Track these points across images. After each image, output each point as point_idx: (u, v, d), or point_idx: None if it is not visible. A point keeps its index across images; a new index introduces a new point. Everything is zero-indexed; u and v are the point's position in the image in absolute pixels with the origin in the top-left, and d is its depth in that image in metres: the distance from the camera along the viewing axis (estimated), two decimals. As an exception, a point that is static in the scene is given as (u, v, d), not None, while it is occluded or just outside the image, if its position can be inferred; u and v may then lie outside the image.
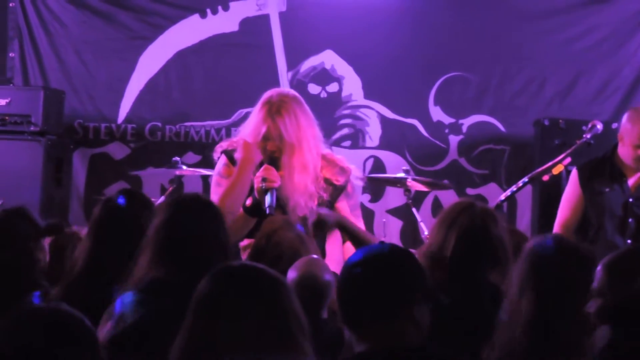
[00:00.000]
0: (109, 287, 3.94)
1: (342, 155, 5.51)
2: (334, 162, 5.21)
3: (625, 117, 5.74)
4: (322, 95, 8.50)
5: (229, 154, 5.22)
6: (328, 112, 8.37)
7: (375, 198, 8.44)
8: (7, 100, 7.86)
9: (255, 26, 8.47)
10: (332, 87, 8.51)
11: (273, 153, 5.09)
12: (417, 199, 8.03)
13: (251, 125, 5.15)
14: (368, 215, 8.16)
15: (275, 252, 4.33)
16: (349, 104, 8.51)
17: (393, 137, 8.47)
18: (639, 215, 5.67)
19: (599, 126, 5.88)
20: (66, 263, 4.71)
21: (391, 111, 8.47)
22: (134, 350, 3.62)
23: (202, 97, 8.51)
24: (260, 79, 7.99)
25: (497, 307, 3.82)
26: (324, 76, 8.50)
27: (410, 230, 8.26)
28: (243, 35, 8.48)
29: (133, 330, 3.64)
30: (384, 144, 8.49)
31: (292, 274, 3.99)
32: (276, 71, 8.44)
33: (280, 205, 5.07)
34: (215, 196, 5.13)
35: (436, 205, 8.23)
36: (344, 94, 8.51)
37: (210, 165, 5.54)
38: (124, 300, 3.72)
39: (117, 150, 8.55)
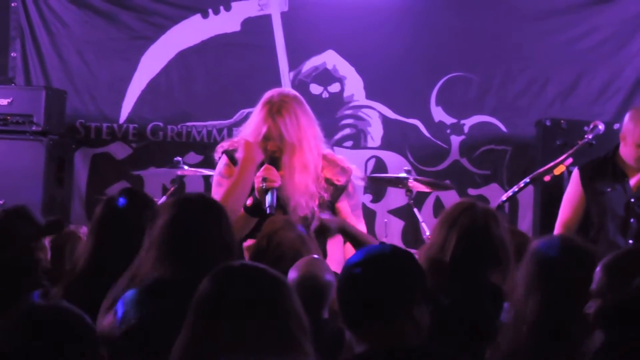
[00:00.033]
0: (110, 286, 3.95)
1: (343, 156, 5.51)
2: (334, 162, 5.21)
3: (627, 117, 5.74)
4: (323, 96, 8.50)
5: (229, 154, 5.22)
6: (330, 113, 8.37)
7: (377, 198, 8.44)
8: (9, 100, 7.86)
9: (257, 26, 8.47)
10: (334, 88, 8.51)
11: (274, 153, 5.10)
12: (419, 199, 8.03)
13: (252, 125, 5.15)
14: (370, 216, 8.16)
15: (277, 252, 4.33)
16: (351, 104, 8.51)
17: (395, 138, 8.47)
18: (641, 215, 5.67)
19: (601, 127, 5.88)
20: (65, 262, 4.72)
21: (393, 111, 8.47)
22: (138, 349, 3.62)
23: (204, 97, 8.51)
24: (262, 79, 8.00)
25: (498, 307, 3.82)
26: (325, 76, 8.50)
27: (411, 230, 8.26)
28: (245, 36, 8.48)
29: (138, 329, 3.65)
30: (385, 144, 8.49)
31: (292, 274, 3.99)
32: (278, 71, 8.44)
33: (281, 205, 5.07)
34: (216, 196, 5.12)
35: (438, 206, 8.23)
36: (345, 94, 8.51)
37: (212, 165, 5.54)
38: (128, 299, 3.72)
39: (119, 150, 8.55)
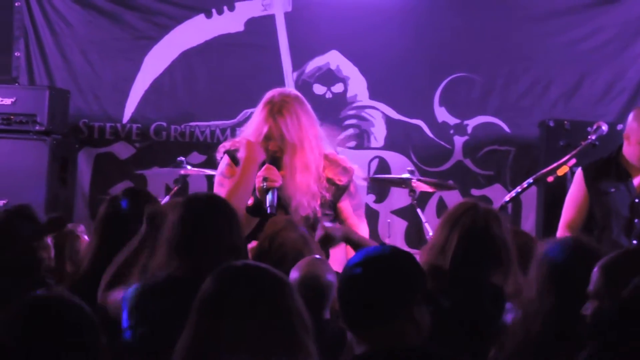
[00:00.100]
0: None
1: (347, 156, 5.52)
2: (336, 162, 5.21)
3: (631, 116, 5.73)
4: (327, 96, 8.50)
5: (231, 153, 5.23)
6: (333, 113, 8.37)
7: (380, 199, 8.43)
8: (13, 100, 7.87)
9: (261, 26, 8.47)
10: (337, 88, 8.51)
11: (275, 153, 5.10)
12: (422, 199, 8.02)
13: (253, 125, 5.15)
14: (373, 216, 8.16)
15: (279, 253, 4.33)
16: (354, 105, 8.51)
17: (398, 138, 8.47)
18: (646, 215, 5.66)
19: (604, 127, 5.87)
20: (65, 261, 4.73)
21: (396, 112, 8.47)
22: (143, 346, 3.63)
23: (207, 97, 8.51)
24: (265, 79, 7.99)
25: (499, 308, 3.82)
26: (329, 77, 8.50)
27: (415, 231, 8.26)
28: (248, 36, 8.49)
29: (144, 327, 3.65)
30: (388, 145, 8.48)
31: (294, 274, 3.99)
32: (281, 71, 8.44)
33: (283, 205, 5.07)
34: None
35: (441, 206, 8.23)
36: (349, 94, 8.51)
37: (215, 165, 5.55)
38: (135, 295, 3.73)
39: (122, 150, 8.55)
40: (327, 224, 4.83)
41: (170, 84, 8.53)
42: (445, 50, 8.36)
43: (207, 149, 8.18)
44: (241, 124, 7.91)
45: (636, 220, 5.68)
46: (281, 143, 5.08)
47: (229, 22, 8.50)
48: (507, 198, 5.70)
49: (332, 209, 5.18)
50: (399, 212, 8.38)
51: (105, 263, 4.11)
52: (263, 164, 5.12)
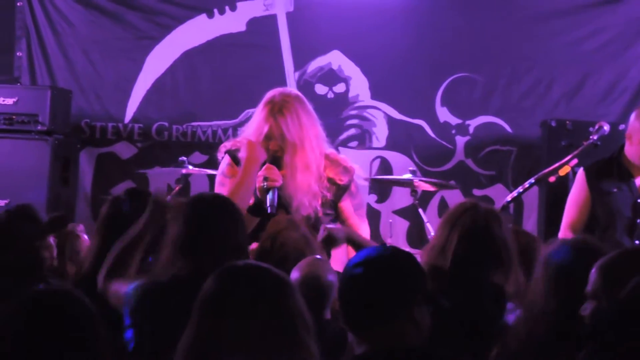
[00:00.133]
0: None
1: (348, 156, 5.52)
2: (337, 162, 5.21)
3: (633, 116, 5.73)
4: (329, 96, 8.50)
5: (232, 153, 5.23)
6: (335, 113, 8.38)
7: (382, 199, 8.43)
8: (15, 100, 7.87)
9: (263, 26, 8.47)
10: (339, 88, 8.51)
11: (275, 152, 5.10)
12: (424, 199, 8.02)
13: (254, 125, 5.16)
14: (374, 216, 8.16)
15: (281, 252, 4.34)
16: (356, 105, 8.51)
17: (400, 138, 8.47)
18: (648, 215, 5.66)
19: (606, 127, 5.87)
20: (66, 261, 4.73)
21: (398, 112, 8.47)
22: (149, 346, 3.63)
23: (209, 97, 8.51)
24: (267, 79, 7.99)
25: (501, 308, 3.82)
26: (331, 76, 8.50)
27: (416, 231, 8.25)
28: (250, 36, 8.49)
29: (149, 327, 3.66)
30: (390, 145, 8.48)
31: (295, 274, 4.00)
32: (283, 71, 8.44)
33: (284, 204, 5.07)
34: None
35: (443, 206, 8.22)
36: (350, 94, 8.50)
37: (217, 165, 5.56)
38: (140, 295, 3.74)
39: (124, 150, 8.56)
40: (330, 225, 4.83)
41: (172, 84, 8.53)
42: (447, 50, 8.36)
43: (209, 149, 8.18)
44: (243, 124, 7.90)
45: (638, 221, 5.67)
46: (282, 142, 5.08)
47: (230, 22, 8.50)
48: (508, 198, 5.69)
49: (333, 208, 5.19)
50: (401, 212, 8.38)
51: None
52: (264, 163, 5.12)
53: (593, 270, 3.22)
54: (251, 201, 5.10)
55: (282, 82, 8.17)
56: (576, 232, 5.68)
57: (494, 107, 8.41)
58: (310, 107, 5.24)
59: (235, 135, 8.16)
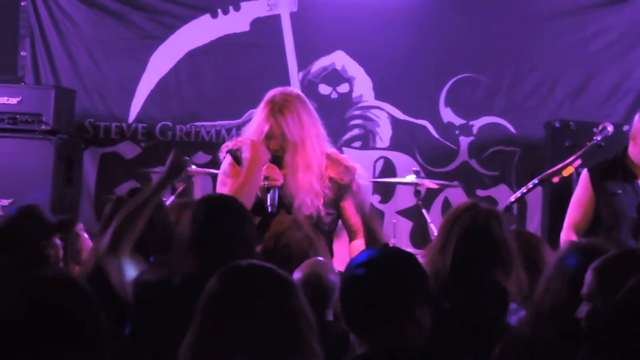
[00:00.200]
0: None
1: (352, 156, 5.52)
2: (338, 161, 5.21)
3: (637, 117, 5.72)
4: (332, 96, 8.50)
5: (233, 153, 5.23)
6: (338, 113, 8.38)
7: (386, 199, 8.43)
8: (19, 99, 7.88)
9: (266, 26, 8.47)
10: (343, 88, 8.51)
11: (276, 152, 5.10)
12: (427, 200, 8.02)
13: (255, 124, 5.16)
14: (378, 216, 8.16)
15: (284, 253, 4.34)
16: (360, 105, 8.50)
17: (403, 138, 8.47)
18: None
19: (610, 128, 5.86)
20: (67, 260, 4.73)
21: (402, 112, 8.46)
22: (153, 343, 3.63)
23: (213, 97, 8.52)
24: (270, 79, 7.98)
25: (502, 308, 3.81)
26: (334, 77, 8.50)
27: (420, 231, 8.25)
28: (254, 36, 8.49)
29: (153, 324, 3.67)
30: (394, 145, 8.48)
31: (297, 275, 4.00)
32: (287, 71, 8.44)
33: (285, 204, 5.07)
34: None
35: (446, 207, 8.22)
36: (354, 94, 8.50)
37: (220, 165, 5.56)
38: (147, 291, 3.75)
39: (128, 150, 8.56)
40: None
41: (176, 83, 8.53)
42: (451, 50, 8.36)
43: (212, 149, 8.17)
44: (246, 124, 7.90)
45: (643, 222, 5.67)
46: (282, 142, 5.08)
47: (234, 22, 8.50)
48: (512, 199, 5.69)
49: (334, 208, 5.18)
50: (404, 213, 8.38)
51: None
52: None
53: (588, 272, 3.22)
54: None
55: (286, 82, 8.17)
56: (579, 233, 5.68)
57: (498, 108, 8.41)
58: (311, 106, 5.23)
59: (239, 135, 8.16)
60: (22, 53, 8.54)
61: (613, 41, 8.32)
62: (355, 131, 8.50)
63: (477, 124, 8.42)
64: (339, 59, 8.47)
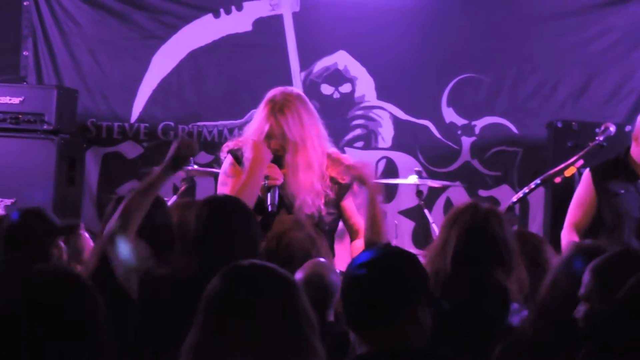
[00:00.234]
0: (120, 285, 3.97)
1: (354, 156, 5.52)
2: (339, 161, 5.21)
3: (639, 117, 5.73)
4: (335, 96, 8.50)
5: (234, 153, 5.24)
6: (341, 113, 8.38)
7: (387, 199, 8.42)
8: (21, 99, 7.88)
9: (269, 26, 8.47)
10: (345, 88, 8.50)
11: (276, 152, 5.10)
12: (429, 200, 8.02)
13: (255, 124, 5.17)
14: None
15: (286, 253, 4.34)
16: (362, 105, 8.50)
17: (405, 138, 8.46)
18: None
19: (612, 128, 5.86)
20: (69, 262, 4.74)
21: (404, 112, 8.46)
22: (161, 342, 3.64)
23: (215, 97, 8.52)
24: (273, 79, 7.97)
25: (503, 308, 3.81)
26: (337, 77, 8.50)
27: (422, 231, 8.25)
28: (256, 36, 8.49)
29: (158, 323, 3.68)
30: (396, 145, 8.48)
31: (298, 275, 4.00)
32: (289, 71, 8.44)
33: (286, 204, 5.08)
34: None
35: (448, 207, 8.21)
36: (356, 94, 8.50)
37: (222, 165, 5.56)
38: (152, 290, 3.77)
39: (130, 150, 8.56)
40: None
41: (178, 83, 8.53)
42: (453, 50, 8.36)
43: (214, 149, 8.15)
44: (248, 123, 7.91)
45: (646, 222, 5.67)
46: (283, 141, 5.08)
47: (237, 22, 8.50)
48: (514, 199, 5.69)
49: (335, 207, 5.18)
50: (407, 213, 8.37)
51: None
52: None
53: (586, 273, 3.22)
54: (251, 200, 5.11)
55: (288, 82, 8.17)
56: (580, 232, 5.68)
57: (500, 108, 8.41)
58: (311, 106, 5.23)
59: (240, 135, 8.16)
60: (24, 53, 8.54)
61: (615, 41, 8.32)
62: (358, 131, 8.49)
63: (480, 124, 8.42)
64: (342, 59, 8.47)
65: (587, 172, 5.82)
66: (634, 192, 5.68)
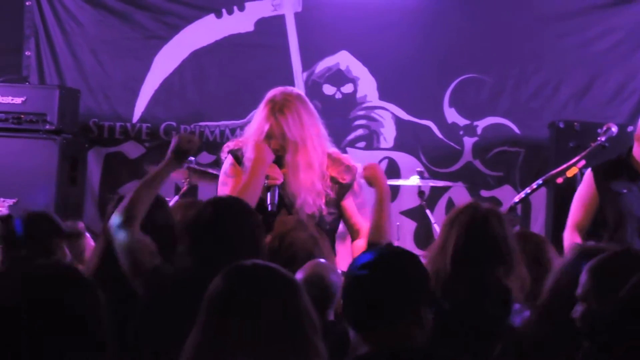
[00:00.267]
0: (121, 284, 3.97)
1: (356, 157, 5.52)
2: (339, 160, 5.20)
3: (643, 117, 5.74)
4: (337, 96, 8.50)
5: (234, 153, 5.24)
6: (343, 113, 8.38)
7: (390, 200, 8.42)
8: (23, 99, 7.88)
9: (271, 26, 8.48)
10: (347, 88, 8.51)
11: (276, 152, 5.10)
12: (431, 200, 8.03)
13: (255, 124, 5.16)
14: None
15: (289, 253, 4.34)
16: (364, 105, 8.51)
17: (407, 139, 8.47)
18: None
19: (614, 129, 5.85)
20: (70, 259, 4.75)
21: (406, 112, 8.46)
22: (162, 342, 3.64)
23: (217, 97, 8.52)
24: (275, 79, 7.97)
25: (504, 309, 3.80)
26: (339, 77, 8.51)
27: (424, 232, 8.25)
28: (258, 36, 8.49)
29: (163, 323, 3.68)
30: (398, 146, 8.48)
31: (298, 276, 4.00)
32: (291, 72, 8.44)
33: (286, 203, 5.08)
34: None
35: (450, 207, 8.21)
36: (358, 95, 8.51)
37: (224, 165, 5.57)
38: (158, 290, 3.78)
39: (132, 150, 8.57)
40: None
41: (180, 83, 8.54)
42: (456, 51, 8.36)
43: (216, 149, 8.16)
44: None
45: (649, 221, 5.66)
46: (283, 141, 5.08)
47: (239, 22, 8.51)
48: (516, 199, 5.68)
49: (336, 207, 5.18)
50: (408, 213, 8.38)
51: (114, 262, 4.12)
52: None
53: (583, 273, 3.22)
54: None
55: (290, 82, 8.18)
56: (581, 232, 5.67)
57: (502, 108, 8.41)
58: (311, 106, 5.23)
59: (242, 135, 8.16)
60: (26, 53, 8.55)
61: (618, 42, 8.32)
62: (360, 131, 8.50)
63: (482, 124, 8.42)
64: (344, 59, 8.47)
65: (588, 172, 5.81)
66: (636, 192, 5.68)
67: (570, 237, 5.62)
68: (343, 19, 8.42)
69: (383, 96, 8.48)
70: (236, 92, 8.44)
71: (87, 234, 5.55)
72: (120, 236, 4.03)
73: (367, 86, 8.48)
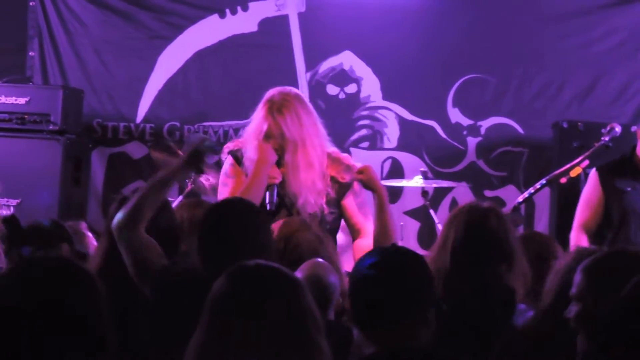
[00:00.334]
0: (124, 284, 3.97)
1: (360, 157, 5.51)
2: (339, 160, 5.20)
3: (645, 117, 5.74)
4: (340, 96, 8.50)
5: (234, 154, 5.25)
6: (346, 113, 8.38)
7: (393, 199, 8.41)
8: (27, 99, 7.89)
9: (274, 27, 8.48)
10: (351, 88, 8.51)
11: (275, 151, 5.10)
12: (435, 200, 8.02)
13: (254, 124, 5.17)
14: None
15: (295, 254, 4.34)
16: (368, 105, 8.50)
17: (411, 139, 8.46)
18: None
19: (618, 129, 5.86)
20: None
21: (409, 112, 8.46)
22: (165, 342, 3.65)
23: (221, 97, 8.52)
24: (278, 79, 7.94)
25: (507, 309, 3.80)
26: (342, 77, 8.50)
27: (427, 232, 8.24)
28: (262, 36, 8.49)
29: (164, 323, 3.69)
30: (402, 146, 8.48)
31: (298, 275, 4.01)
32: (295, 72, 8.44)
33: (286, 203, 5.08)
34: (221, 196, 5.17)
35: (454, 207, 8.17)
36: (362, 95, 8.50)
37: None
38: (164, 290, 3.78)
39: (136, 150, 8.57)
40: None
41: (184, 84, 8.54)
42: (459, 51, 8.36)
43: (220, 149, 8.18)
44: (252, 124, 7.92)
45: (653, 220, 5.67)
46: (281, 141, 5.08)
47: (242, 23, 8.51)
48: (520, 199, 5.68)
49: (336, 206, 5.18)
50: (412, 213, 8.37)
51: (116, 263, 4.12)
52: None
53: (577, 273, 3.22)
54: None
55: (294, 83, 8.18)
56: (589, 232, 5.68)
57: (506, 108, 8.40)
58: (310, 105, 5.23)
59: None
60: (30, 53, 8.55)
61: (621, 41, 8.31)
62: (363, 131, 8.50)
63: (485, 124, 8.41)
64: (347, 60, 8.47)
65: (593, 172, 5.82)
66: (640, 191, 5.68)
67: (577, 238, 5.63)
68: (347, 19, 8.42)
69: (386, 96, 8.48)
70: (240, 92, 8.44)
71: (90, 234, 5.55)
72: (126, 237, 4.03)
73: (370, 86, 8.48)
